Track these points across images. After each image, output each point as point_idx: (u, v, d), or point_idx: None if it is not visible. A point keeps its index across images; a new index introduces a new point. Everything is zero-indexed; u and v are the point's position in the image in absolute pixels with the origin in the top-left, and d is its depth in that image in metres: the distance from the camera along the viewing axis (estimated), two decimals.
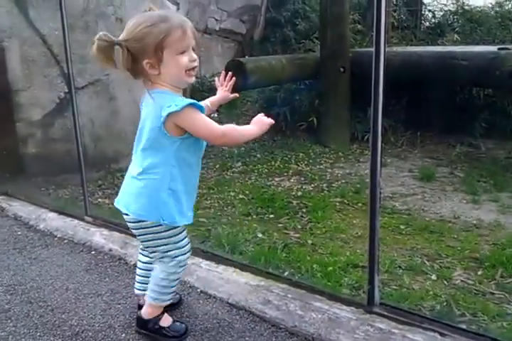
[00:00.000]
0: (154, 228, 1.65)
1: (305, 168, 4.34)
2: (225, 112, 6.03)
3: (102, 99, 3.87)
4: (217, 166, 4.34)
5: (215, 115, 5.47)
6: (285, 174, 4.19)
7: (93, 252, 2.51)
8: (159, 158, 1.59)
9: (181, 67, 1.54)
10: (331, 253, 2.56)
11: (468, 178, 3.94)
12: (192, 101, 1.53)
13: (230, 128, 1.60)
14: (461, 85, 5.34)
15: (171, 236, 1.69)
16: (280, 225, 3.05)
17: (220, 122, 5.01)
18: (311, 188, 3.79)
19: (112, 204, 3.14)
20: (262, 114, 1.69)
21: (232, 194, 3.62)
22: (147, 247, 1.78)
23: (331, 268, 2.32)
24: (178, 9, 5.54)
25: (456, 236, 2.86)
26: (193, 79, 1.60)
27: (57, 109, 3.71)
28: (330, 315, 1.80)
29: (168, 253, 1.71)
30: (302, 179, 4.05)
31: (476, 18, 7.55)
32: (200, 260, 2.27)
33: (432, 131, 5.00)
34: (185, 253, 1.75)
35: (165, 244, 1.70)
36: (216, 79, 2.02)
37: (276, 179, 4.06)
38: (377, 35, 1.67)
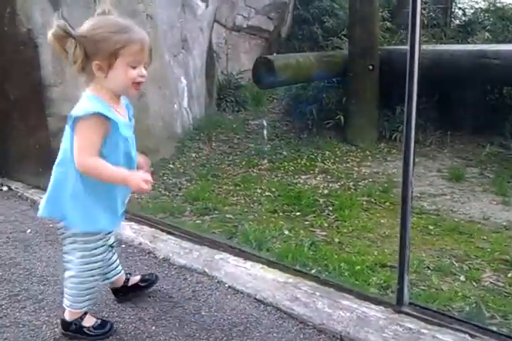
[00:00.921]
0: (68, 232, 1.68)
1: (331, 166, 4.33)
2: (252, 110, 6.06)
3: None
4: (244, 163, 4.36)
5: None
6: (311, 172, 4.19)
7: (123, 246, 2.55)
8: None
9: (129, 78, 1.54)
10: (358, 252, 2.56)
11: (498, 179, 3.88)
12: (102, 112, 1.49)
13: (94, 165, 1.52)
14: (492, 84, 5.25)
15: (84, 243, 1.67)
16: (307, 223, 3.05)
17: (247, 119, 5.04)
18: (338, 186, 3.78)
19: (141, 198, 3.19)
20: (145, 175, 1.54)
21: (258, 191, 3.64)
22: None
23: (358, 267, 2.32)
24: (207, 6, 5.57)
25: (485, 238, 2.83)
26: (135, 92, 1.61)
27: None
28: (358, 314, 1.80)
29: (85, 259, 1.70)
30: (329, 177, 4.04)
31: (508, 15, 7.40)
32: (228, 255, 2.29)
33: (461, 130, 4.94)
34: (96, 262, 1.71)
35: (88, 249, 1.69)
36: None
37: (303, 177, 4.06)
38: (412, 33, 1.66)
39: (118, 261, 1.95)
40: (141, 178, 1.51)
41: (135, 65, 1.53)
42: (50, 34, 1.47)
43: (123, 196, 1.70)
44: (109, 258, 1.85)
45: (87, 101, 1.54)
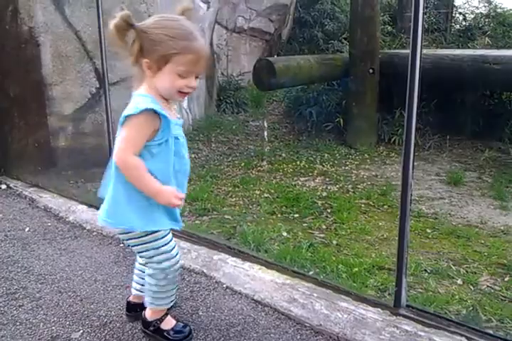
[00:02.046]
0: (132, 233, 1.63)
1: (330, 169, 4.33)
2: (252, 111, 6.07)
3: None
4: (243, 164, 4.36)
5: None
6: (310, 174, 4.19)
7: (121, 245, 2.56)
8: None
9: (175, 87, 1.49)
10: (356, 254, 2.56)
11: (496, 183, 3.89)
12: (153, 108, 1.46)
13: (137, 165, 1.49)
14: (492, 89, 5.27)
15: (151, 241, 1.64)
16: (305, 225, 3.05)
17: (246, 121, 5.04)
18: (336, 189, 3.79)
19: None
20: (180, 195, 1.54)
21: (257, 192, 3.65)
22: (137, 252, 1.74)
23: (356, 269, 2.32)
24: (208, 8, 5.58)
25: (483, 242, 2.84)
26: (181, 99, 1.59)
27: (89, 103, 3.78)
28: (356, 316, 1.80)
29: (153, 259, 1.67)
30: (327, 179, 4.05)
31: (508, 21, 7.44)
32: (227, 256, 2.30)
33: (460, 134, 4.96)
34: (170, 259, 1.67)
35: (147, 250, 1.66)
36: None
37: (301, 179, 4.07)
38: (414, 37, 1.67)
39: None
40: (173, 194, 1.50)
41: (185, 75, 1.48)
42: (112, 24, 1.44)
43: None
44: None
45: (139, 98, 1.50)
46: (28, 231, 2.80)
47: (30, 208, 3.18)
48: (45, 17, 3.67)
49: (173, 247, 1.69)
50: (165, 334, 1.75)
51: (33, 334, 1.82)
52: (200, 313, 1.93)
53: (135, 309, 1.88)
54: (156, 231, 1.63)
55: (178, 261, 1.70)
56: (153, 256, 1.65)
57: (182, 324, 1.78)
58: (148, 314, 1.77)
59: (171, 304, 1.79)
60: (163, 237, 1.65)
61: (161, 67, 1.46)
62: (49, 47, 3.68)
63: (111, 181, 1.59)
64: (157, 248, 1.64)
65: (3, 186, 3.59)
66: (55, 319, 1.92)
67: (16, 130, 3.82)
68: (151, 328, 1.77)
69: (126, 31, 1.45)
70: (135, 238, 1.63)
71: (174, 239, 1.72)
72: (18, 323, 1.89)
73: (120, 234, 1.67)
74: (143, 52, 1.46)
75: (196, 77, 1.52)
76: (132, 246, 1.69)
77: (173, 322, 1.78)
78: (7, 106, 3.80)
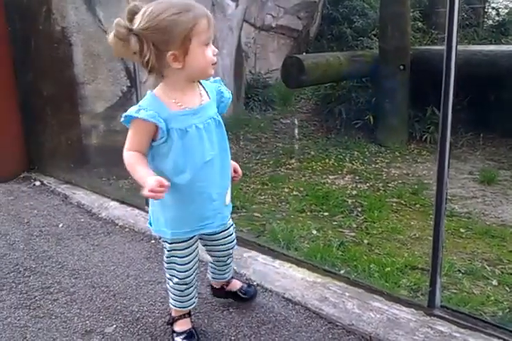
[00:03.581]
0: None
1: (360, 167, 4.29)
2: (280, 109, 6.05)
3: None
4: (271, 162, 4.36)
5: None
6: (339, 172, 4.16)
7: (153, 241, 2.58)
8: None
9: (209, 58, 1.42)
10: (388, 253, 2.53)
11: None
12: (130, 113, 1.42)
13: (126, 158, 1.46)
14: None
15: (170, 250, 1.64)
16: (335, 223, 3.03)
17: (275, 119, 5.03)
18: (367, 187, 3.74)
19: None
20: (161, 184, 1.37)
21: (286, 190, 3.63)
22: None
23: (388, 268, 2.29)
24: (237, 6, 5.58)
25: None
26: (213, 73, 1.49)
27: (120, 102, 3.83)
28: (389, 316, 1.78)
29: (167, 274, 1.71)
30: (357, 178, 4.01)
31: None
32: (257, 254, 2.30)
33: (493, 132, 4.84)
34: (181, 272, 1.67)
35: (166, 256, 1.68)
36: None
37: (331, 177, 4.03)
38: (449, 33, 1.62)
39: (228, 266, 1.88)
40: (150, 184, 1.36)
41: (208, 41, 1.42)
42: (111, 36, 1.36)
43: (207, 198, 1.56)
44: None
45: (143, 100, 1.48)
46: (62, 227, 2.86)
47: (63, 204, 3.24)
48: (77, 17, 3.73)
49: (194, 257, 1.68)
50: (173, 334, 1.76)
51: (67, 327, 1.86)
52: (231, 310, 1.93)
53: (219, 292, 1.96)
54: (176, 242, 1.62)
55: (188, 276, 1.68)
56: (168, 263, 1.68)
57: (194, 331, 1.75)
58: (172, 310, 1.80)
59: (187, 308, 1.76)
60: (181, 249, 1.63)
61: (187, 48, 1.38)
62: (81, 47, 3.74)
63: None
64: (168, 250, 1.65)
65: (37, 183, 3.67)
66: (89, 313, 1.95)
67: (49, 128, 3.90)
68: (168, 324, 1.80)
69: (129, 37, 1.35)
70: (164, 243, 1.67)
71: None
72: (53, 317, 1.93)
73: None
74: (159, 48, 1.36)
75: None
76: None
77: (185, 327, 1.75)
78: (41, 105, 3.88)
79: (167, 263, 1.68)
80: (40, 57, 3.80)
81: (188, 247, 1.64)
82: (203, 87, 1.57)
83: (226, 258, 1.83)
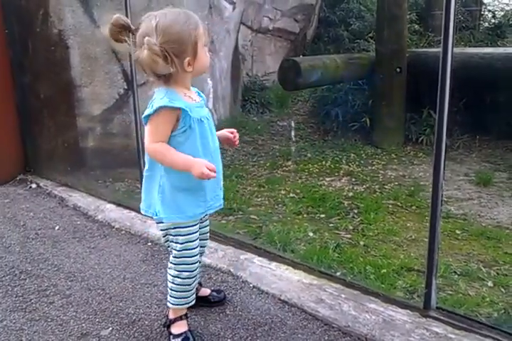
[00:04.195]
0: (161, 224, 1.69)
1: (356, 169, 4.29)
2: (277, 111, 6.06)
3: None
4: (268, 164, 4.36)
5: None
6: (336, 174, 4.16)
7: (149, 244, 2.58)
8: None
9: (208, 58, 1.60)
10: (384, 255, 2.53)
11: None
12: (167, 105, 1.51)
13: (158, 148, 1.55)
14: None
15: (177, 235, 1.68)
16: (331, 225, 3.03)
17: (271, 121, 5.01)
18: (363, 189, 3.75)
19: None
20: (210, 166, 1.52)
21: (282, 192, 3.64)
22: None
23: (384, 270, 2.30)
24: (234, 8, 5.60)
25: None
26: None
27: (117, 104, 3.83)
28: (384, 317, 1.78)
29: (175, 259, 1.72)
30: (353, 180, 4.01)
31: None
32: (253, 256, 2.30)
33: (489, 134, 4.86)
34: (192, 264, 1.71)
35: (173, 241, 1.70)
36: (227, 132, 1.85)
37: (327, 179, 4.04)
38: (446, 36, 1.63)
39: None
40: (203, 165, 1.51)
41: (207, 42, 1.59)
42: (147, 54, 1.44)
43: (212, 183, 1.67)
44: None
45: (156, 94, 1.56)
46: (58, 229, 2.86)
47: (59, 207, 3.24)
48: (74, 20, 3.73)
49: (198, 245, 1.72)
50: (170, 337, 1.76)
51: (63, 330, 1.86)
52: (228, 312, 1.94)
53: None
54: (181, 227, 1.67)
55: (193, 270, 1.72)
56: (176, 250, 1.70)
57: (190, 334, 1.75)
58: (169, 312, 1.81)
59: (189, 304, 1.78)
60: (186, 234, 1.68)
61: (196, 51, 1.53)
62: (78, 50, 3.74)
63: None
64: (180, 243, 1.68)
65: (34, 185, 3.67)
66: (85, 316, 1.95)
67: (46, 131, 3.90)
68: (164, 326, 1.81)
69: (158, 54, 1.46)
70: (165, 229, 1.70)
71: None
72: (49, 319, 1.93)
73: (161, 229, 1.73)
74: (178, 58, 1.49)
75: None
76: (166, 240, 1.75)
77: (182, 328, 1.76)
78: (37, 108, 3.88)
79: (178, 257, 1.70)
80: (37, 60, 3.80)
81: (197, 231, 1.72)
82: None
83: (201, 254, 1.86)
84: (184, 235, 1.68)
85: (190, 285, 1.74)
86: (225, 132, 1.81)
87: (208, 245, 1.97)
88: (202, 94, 1.75)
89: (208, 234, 1.91)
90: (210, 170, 1.51)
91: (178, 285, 1.73)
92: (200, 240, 1.77)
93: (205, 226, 1.87)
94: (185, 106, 1.55)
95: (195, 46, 1.52)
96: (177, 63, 1.49)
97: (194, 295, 1.80)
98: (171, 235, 1.70)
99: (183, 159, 1.54)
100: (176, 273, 1.72)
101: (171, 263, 1.73)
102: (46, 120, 3.89)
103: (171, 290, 1.75)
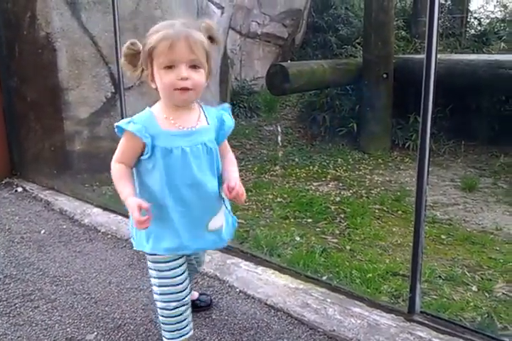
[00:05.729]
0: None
1: (343, 174, 4.32)
2: (265, 116, 6.08)
3: (147, 100, 3.95)
4: (256, 169, 4.37)
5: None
6: (323, 179, 4.19)
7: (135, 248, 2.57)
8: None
9: (166, 83, 1.36)
10: (370, 260, 2.55)
11: (511, 190, 3.85)
12: (121, 124, 1.42)
13: (113, 171, 1.44)
14: (507, 95, 5.22)
15: (150, 269, 1.55)
16: (318, 230, 3.05)
17: (259, 126, 5.03)
18: (350, 194, 3.78)
19: None
20: (141, 206, 1.33)
21: (270, 197, 3.65)
22: None
23: (370, 274, 2.31)
24: (222, 13, 5.61)
25: (498, 248, 2.81)
26: (184, 100, 1.41)
27: (104, 108, 3.81)
28: (369, 321, 1.80)
29: (153, 286, 1.58)
30: (340, 184, 4.04)
31: None
32: (240, 260, 2.30)
33: (475, 140, 4.92)
34: (177, 292, 1.55)
35: (151, 275, 1.57)
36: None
37: (315, 184, 4.06)
38: (429, 42, 1.66)
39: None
40: (134, 208, 1.32)
41: (167, 64, 1.34)
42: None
43: (190, 219, 1.48)
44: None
45: (139, 113, 1.47)
46: (44, 233, 2.83)
47: (45, 211, 3.21)
48: (62, 23, 3.72)
49: (178, 276, 1.54)
50: None
51: (48, 335, 1.84)
52: (214, 317, 1.93)
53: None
54: (153, 261, 1.53)
55: (182, 299, 1.56)
56: (154, 279, 1.57)
57: None
58: None
59: (187, 335, 1.62)
60: (165, 262, 1.52)
61: (151, 70, 1.39)
62: (65, 53, 3.72)
63: None
64: (157, 276, 1.55)
65: (20, 189, 3.64)
66: (70, 321, 1.94)
67: (33, 134, 3.87)
68: None
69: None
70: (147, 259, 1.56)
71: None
72: (33, 324, 1.91)
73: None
74: (142, 66, 1.43)
75: (193, 67, 1.36)
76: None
77: None
78: (24, 110, 3.86)
79: (158, 286, 1.55)
80: (24, 63, 3.78)
81: (177, 267, 1.54)
82: (204, 112, 1.51)
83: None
84: (157, 270, 1.53)
85: (181, 314, 1.57)
86: (226, 183, 1.48)
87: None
88: (223, 116, 1.53)
89: (202, 260, 1.79)
90: (143, 218, 1.32)
91: (168, 316, 1.56)
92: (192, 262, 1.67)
93: (197, 258, 1.75)
94: (150, 133, 1.39)
95: (148, 60, 1.38)
96: (139, 72, 1.43)
97: (191, 324, 1.63)
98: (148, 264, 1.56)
99: (123, 194, 1.38)
100: (163, 305, 1.55)
101: (154, 293, 1.58)
102: (33, 123, 3.86)
103: (163, 323, 1.60)
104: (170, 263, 1.53)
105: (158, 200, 1.44)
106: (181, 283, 1.56)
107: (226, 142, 1.60)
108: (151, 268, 1.56)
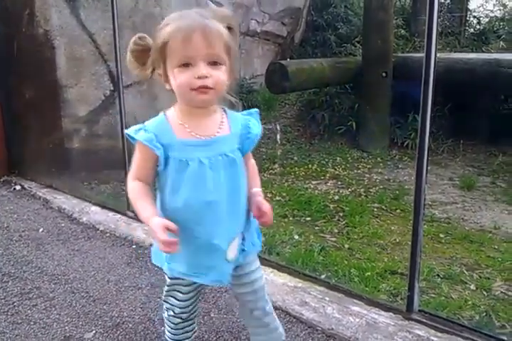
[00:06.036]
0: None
1: (342, 172, 4.32)
2: (264, 114, 6.07)
3: (146, 98, 3.95)
4: None
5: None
6: (322, 177, 4.19)
7: (134, 246, 2.57)
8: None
9: (182, 84, 1.16)
10: (368, 258, 2.55)
11: (510, 189, 3.86)
12: (130, 131, 1.24)
13: (129, 190, 1.27)
14: (506, 93, 5.22)
15: (167, 287, 1.46)
16: (317, 228, 3.05)
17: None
18: (349, 193, 3.78)
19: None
20: (168, 227, 1.17)
21: (269, 195, 3.64)
22: None
23: (368, 273, 2.31)
24: None
25: (496, 247, 2.81)
26: (203, 101, 1.19)
27: (103, 106, 3.81)
28: (368, 320, 1.80)
29: (164, 305, 1.51)
30: (339, 183, 4.04)
31: None
32: None
33: (474, 139, 4.91)
34: (177, 317, 1.48)
35: (164, 295, 1.49)
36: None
37: (313, 182, 4.06)
38: (429, 40, 1.66)
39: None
40: (158, 228, 1.16)
41: (183, 61, 1.15)
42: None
43: (209, 246, 1.28)
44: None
45: (152, 119, 1.28)
46: (42, 231, 2.83)
47: (44, 209, 3.21)
48: (61, 20, 3.71)
49: (189, 298, 1.46)
50: None
51: (46, 333, 1.84)
52: (212, 315, 1.94)
53: None
54: (174, 278, 1.41)
55: (184, 312, 1.48)
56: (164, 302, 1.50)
57: None
58: None
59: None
60: (170, 286, 1.45)
61: (165, 69, 1.19)
62: (64, 50, 3.72)
63: None
64: (171, 293, 1.47)
65: (18, 187, 3.63)
66: (68, 319, 1.94)
67: (31, 132, 3.87)
68: None
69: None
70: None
71: None
72: (32, 323, 1.91)
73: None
74: (153, 64, 1.23)
75: (213, 64, 1.16)
76: None
77: None
78: (22, 108, 3.85)
79: (173, 300, 1.47)
80: (22, 60, 3.77)
81: (189, 292, 1.44)
82: (227, 118, 1.30)
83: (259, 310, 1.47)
84: (168, 285, 1.45)
85: (176, 324, 1.51)
86: (255, 203, 1.30)
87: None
88: (250, 123, 1.32)
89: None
90: (170, 240, 1.15)
91: (166, 319, 1.53)
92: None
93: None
94: (162, 142, 1.21)
95: (160, 58, 1.18)
96: (150, 71, 1.24)
97: (190, 333, 1.58)
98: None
99: (143, 216, 1.22)
100: (168, 306, 1.49)
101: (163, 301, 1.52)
102: (31, 121, 3.86)
103: (165, 322, 1.57)
104: (186, 288, 1.44)
105: (173, 218, 1.23)
106: (186, 300, 1.47)
107: (250, 152, 1.38)
108: (164, 291, 1.49)
